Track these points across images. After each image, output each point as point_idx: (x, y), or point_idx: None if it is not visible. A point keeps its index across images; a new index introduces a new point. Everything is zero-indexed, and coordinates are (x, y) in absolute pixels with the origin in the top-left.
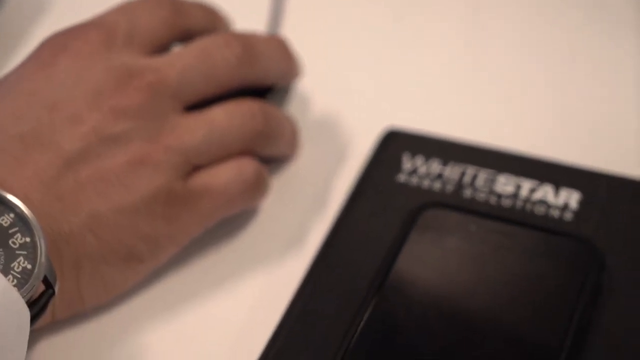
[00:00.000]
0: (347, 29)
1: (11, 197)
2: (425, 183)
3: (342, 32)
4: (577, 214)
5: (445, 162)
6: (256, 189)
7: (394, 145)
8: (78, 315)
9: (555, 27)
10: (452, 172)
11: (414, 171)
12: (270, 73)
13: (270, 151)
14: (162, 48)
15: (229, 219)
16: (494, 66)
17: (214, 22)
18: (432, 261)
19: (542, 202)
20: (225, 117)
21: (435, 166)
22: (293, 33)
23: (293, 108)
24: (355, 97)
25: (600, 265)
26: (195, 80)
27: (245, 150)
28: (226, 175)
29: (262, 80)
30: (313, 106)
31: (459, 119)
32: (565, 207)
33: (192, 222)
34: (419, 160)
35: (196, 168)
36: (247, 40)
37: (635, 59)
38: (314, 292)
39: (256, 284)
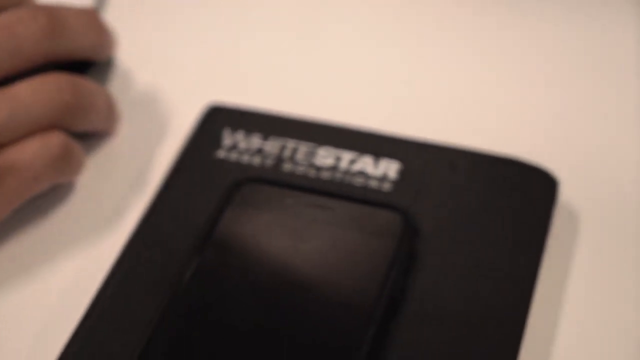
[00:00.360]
0: (172, 4)
1: None
2: (245, 158)
3: (167, 7)
4: (396, 184)
5: (265, 137)
6: (65, 163)
7: (215, 120)
8: None
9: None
10: (272, 146)
11: (234, 147)
12: (80, 46)
13: (83, 126)
14: None
15: (44, 199)
16: (316, 38)
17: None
18: (247, 236)
19: (362, 173)
20: (30, 91)
21: (255, 141)
22: (117, 8)
23: (115, 85)
24: (178, 73)
25: (413, 232)
26: None
27: (55, 126)
28: (31, 150)
29: (72, 53)
30: (136, 83)
31: (284, 94)
32: (384, 177)
33: None
34: (240, 136)
35: (1, 146)
36: (53, 13)
37: (455, 32)
38: (129, 271)
39: (69, 266)
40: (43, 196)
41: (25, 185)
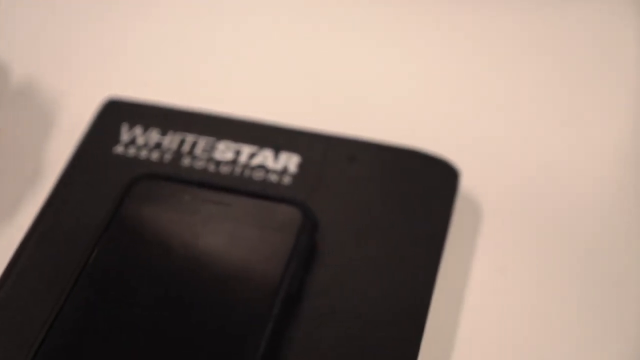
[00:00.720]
0: None
1: None
2: (143, 154)
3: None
4: (296, 177)
5: (164, 131)
6: None
7: (113, 115)
8: None
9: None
10: (171, 141)
11: (132, 142)
12: None
13: None
14: None
15: None
16: (213, 29)
17: None
18: (143, 234)
19: (262, 167)
20: None
21: (153, 136)
22: None
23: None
24: (68, 64)
25: (313, 227)
26: None
27: None
28: None
29: None
30: (15, 75)
31: (183, 88)
32: (284, 171)
33: None
34: (138, 131)
35: None
36: None
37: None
38: (25, 269)
39: None
40: None
41: None
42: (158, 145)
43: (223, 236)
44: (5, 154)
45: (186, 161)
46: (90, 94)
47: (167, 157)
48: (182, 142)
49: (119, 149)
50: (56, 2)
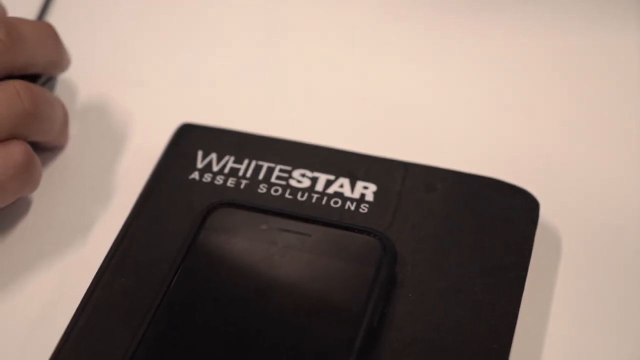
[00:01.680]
0: (128, 20)
1: None
2: (219, 180)
3: (123, 22)
4: (373, 206)
5: (240, 158)
6: (28, 172)
7: (189, 141)
8: None
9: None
10: (246, 168)
11: (208, 168)
12: (36, 60)
13: (39, 136)
14: None
15: (5, 214)
16: (290, 59)
17: None
18: (221, 263)
19: (338, 195)
20: None
21: (230, 162)
22: (62, 21)
23: (66, 98)
24: (149, 91)
25: (393, 257)
26: None
27: (14, 135)
28: None
29: (28, 67)
30: (88, 97)
31: (258, 115)
32: (361, 199)
33: None
34: (214, 156)
35: None
36: (10, 25)
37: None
38: (100, 298)
39: (38, 284)
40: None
41: None
42: (234, 172)
43: (302, 266)
44: (81, 175)
45: (263, 188)
46: (165, 118)
47: (243, 183)
48: (257, 169)
49: (195, 175)
50: (135, 26)
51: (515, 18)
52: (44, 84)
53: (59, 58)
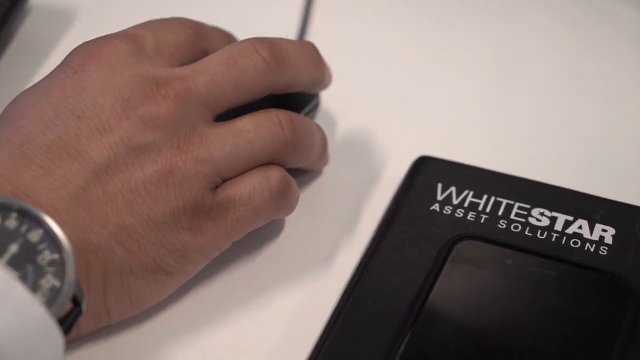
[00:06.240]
0: (376, 46)
1: (40, 213)
2: (460, 213)
3: (370, 49)
4: (612, 248)
5: (479, 193)
6: (283, 198)
7: (428, 173)
8: (101, 331)
9: (595, 59)
10: (486, 203)
11: (448, 200)
12: (300, 78)
13: (298, 163)
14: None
15: (258, 233)
16: (529, 99)
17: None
18: (467, 295)
19: (577, 235)
20: (253, 127)
21: (469, 196)
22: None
23: (323, 124)
24: (385, 118)
25: (637, 302)
26: (223, 87)
27: (273, 161)
28: (251, 184)
29: (291, 86)
30: (342, 123)
31: (490, 151)
32: (600, 241)
33: (218, 235)
34: (454, 190)
35: (223, 179)
36: (274, 45)
37: None
38: (346, 322)
39: (281, 305)
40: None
41: (245, 219)
42: (473, 206)
43: (546, 304)
44: (321, 198)
45: (502, 224)
46: (397, 149)
47: (483, 218)
48: (497, 204)
49: (436, 207)
50: (368, 53)
51: None
52: (307, 113)
53: (320, 77)
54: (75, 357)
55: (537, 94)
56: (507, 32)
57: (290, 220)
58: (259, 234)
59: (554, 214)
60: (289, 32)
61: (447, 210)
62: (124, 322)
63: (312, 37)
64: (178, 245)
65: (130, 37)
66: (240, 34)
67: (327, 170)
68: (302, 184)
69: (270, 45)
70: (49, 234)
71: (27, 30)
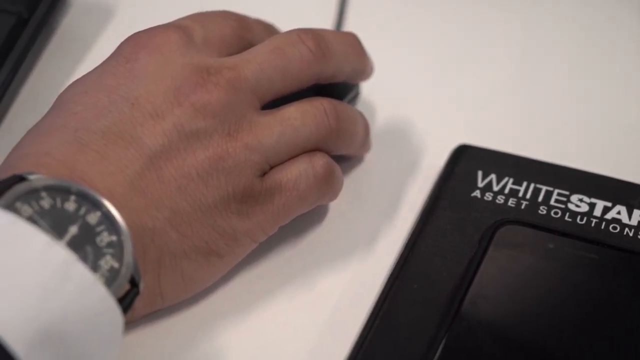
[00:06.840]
0: (412, 35)
1: (98, 195)
2: (500, 199)
3: (406, 38)
4: None
5: (518, 180)
6: (327, 183)
7: (469, 160)
8: (155, 313)
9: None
10: (526, 190)
11: (489, 187)
12: (343, 68)
13: (341, 150)
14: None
15: (304, 218)
16: (568, 86)
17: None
18: (511, 278)
19: (616, 221)
20: (299, 115)
21: (509, 183)
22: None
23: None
24: (423, 106)
25: None
26: (272, 76)
27: (318, 148)
28: (297, 170)
29: (335, 76)
30: (381, 112)
31: (529, 138)
32: (639, 226)
33: (265, 219)
34: (494, 177)
35: (270, 166)
36: (319, 36)
37: None
38: (393, 305)
39: (326, 288)
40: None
41: (291, 204)
42: (513, 193)
43: (590, 287)
44: (364, 185)
45: (542, 210)
46: (440, 138)
47: (524, 204)
48: (536, 191)
49: (477, 193)
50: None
51: None
52: (350, 101)
53: (363, 67)
54: (131, 338)
55: (576, 82)
56: (541, 18)
57: (334, 205)
58: (304, 219)
59: (593, 200)
60: (326, 22)
61: (488, 196)
62: (176, 305)
63: (348, 27)
64: (228, 228)
65: (180, 27)
66: (279, 26)
67: (369, 157)
68: (345, 171)
69: (316, 36)
70: (106, 216)
71: (68, 24)
